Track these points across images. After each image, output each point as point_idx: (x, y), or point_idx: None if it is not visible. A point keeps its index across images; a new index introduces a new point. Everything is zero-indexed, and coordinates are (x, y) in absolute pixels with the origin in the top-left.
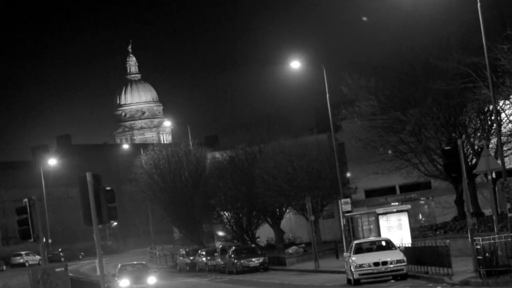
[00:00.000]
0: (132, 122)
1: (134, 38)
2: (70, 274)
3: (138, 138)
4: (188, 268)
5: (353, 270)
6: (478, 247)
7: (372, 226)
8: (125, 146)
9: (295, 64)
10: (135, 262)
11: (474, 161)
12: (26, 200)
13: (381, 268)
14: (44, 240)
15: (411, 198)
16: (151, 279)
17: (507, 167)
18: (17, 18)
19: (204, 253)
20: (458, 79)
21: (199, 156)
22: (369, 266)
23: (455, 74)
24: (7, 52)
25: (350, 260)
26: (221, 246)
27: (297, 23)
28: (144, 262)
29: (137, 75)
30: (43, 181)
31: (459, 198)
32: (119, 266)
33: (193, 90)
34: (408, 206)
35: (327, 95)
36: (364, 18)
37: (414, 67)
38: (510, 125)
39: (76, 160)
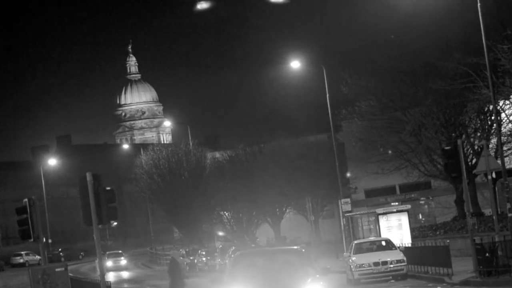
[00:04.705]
0: (132, 122)
1: (134, 38)
2: (70, 274)
3: (138, 138)
4: (188, 268)
5: (353, 270)
6: (478, 247)
7: (372, 226)
8: (125, 146)
9: (295, 64)
10: None
11: (474, 161)
12: (26, 200)
13: (381, 268)
14: (44, 240)
15: (411, 198)
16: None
17: (507, 167)
18: (16, 18)
19: (204, 253)
20: (458, 79)
21: (199, 156)
22: (369, 266)
23: (455, 74)
24: (7, 52)
25: (350, 260)
26: (221, 246)
27: (297, 22)
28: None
29: (137, 75)
30: (43, 181)
31: (459, 198)
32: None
33: (193, 90)
34: (408, 206)
35: (327, 95)
36: None
37: (414, 67)
38: (510, 125)
39: (76, 160)
